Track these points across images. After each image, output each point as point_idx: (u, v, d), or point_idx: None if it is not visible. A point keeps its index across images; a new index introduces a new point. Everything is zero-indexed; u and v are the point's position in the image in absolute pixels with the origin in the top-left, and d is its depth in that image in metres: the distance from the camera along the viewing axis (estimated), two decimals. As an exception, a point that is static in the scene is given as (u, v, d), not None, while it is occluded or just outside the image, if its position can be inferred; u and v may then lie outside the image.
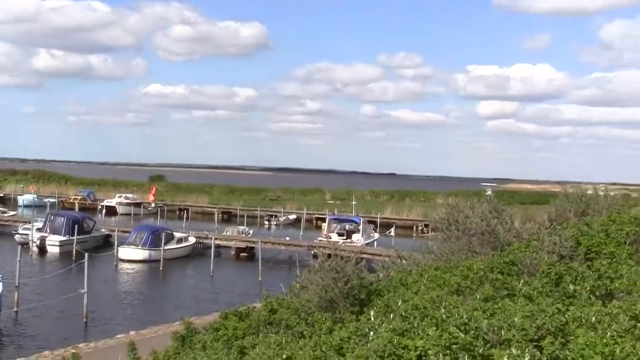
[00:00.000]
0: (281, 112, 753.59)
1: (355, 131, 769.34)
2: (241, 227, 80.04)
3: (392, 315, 10.97)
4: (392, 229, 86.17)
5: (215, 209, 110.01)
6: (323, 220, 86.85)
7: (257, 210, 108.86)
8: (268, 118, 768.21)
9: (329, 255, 18.38)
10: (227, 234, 74.05)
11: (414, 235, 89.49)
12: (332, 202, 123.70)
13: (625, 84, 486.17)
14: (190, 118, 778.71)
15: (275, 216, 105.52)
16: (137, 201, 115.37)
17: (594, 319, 8.80)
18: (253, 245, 67.61)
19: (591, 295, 11.21)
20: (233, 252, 69.07)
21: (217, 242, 66.70)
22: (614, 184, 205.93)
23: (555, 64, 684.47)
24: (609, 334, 8.17)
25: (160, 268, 59.17)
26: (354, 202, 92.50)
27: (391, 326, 9.18)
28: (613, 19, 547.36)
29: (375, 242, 72.58)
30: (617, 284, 11.90)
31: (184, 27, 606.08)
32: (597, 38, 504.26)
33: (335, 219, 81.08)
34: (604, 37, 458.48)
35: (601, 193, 32.62)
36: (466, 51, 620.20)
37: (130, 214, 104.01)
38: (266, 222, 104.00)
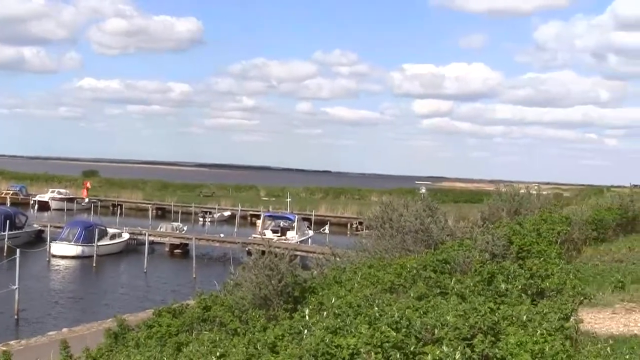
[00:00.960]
0: (217, 108, 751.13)
1: (291, 128, 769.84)
2: (175, 224, 79.72)
3: (325, 313, 11.00)
4: (327, 226, 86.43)
5: (149, 205, 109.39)
6: (258, 217, 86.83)
7: (191, 206, 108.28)
8: (203, 114, 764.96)
9: (263, 252, 18.37)
10: (161, 230, 73.74)
11: (349, 232, 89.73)
12: (266, 199, 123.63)
13: (559, 85, 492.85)
14: (124, 113, 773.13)
15: (210, 212, 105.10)
16: (70, 196, 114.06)
17: (524, 317, 8.91)
18: (187, 242, 67.36)
19: (522, 294, 11.35)
20: (167, 249, 68.77)
21: (151, 238, 66.37)
22: (547, 183, 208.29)
23: (491, 63, 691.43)
24: (539, 332, 8.28)
25: (94, 264, 58.65)
26: (288, 199, 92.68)
27: (324, 324, 9.20)
28: (548, 21, 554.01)
29: (309, 240, 72.72)
30: (547, 283, 12.08)
31: (119, 20, 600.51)
32: (531, 39, 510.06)
33: (269, 216, 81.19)
34: (538, 38, 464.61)
35: (534, 192, 33.03)
36: (402, 49, 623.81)
37: (63, 210, 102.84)
38: (201, 219, 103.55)
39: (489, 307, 8.92)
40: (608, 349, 10.60)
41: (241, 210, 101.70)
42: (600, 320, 13.50)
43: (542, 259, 15.94)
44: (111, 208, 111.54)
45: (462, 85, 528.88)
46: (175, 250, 68.39)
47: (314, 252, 48.21)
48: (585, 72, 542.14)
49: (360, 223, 76.66)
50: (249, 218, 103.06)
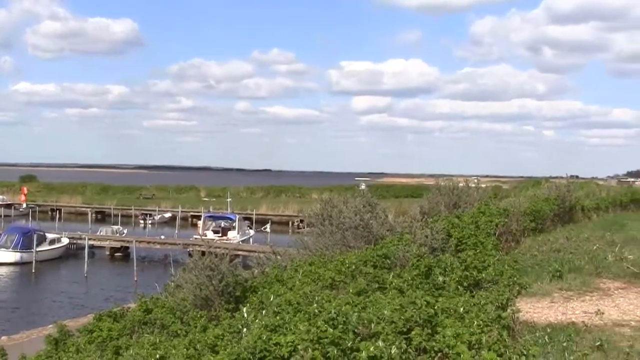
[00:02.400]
0: (155, 109, 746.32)
1: (230, 128, 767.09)
2: (115, 227, 79.17)
3: (264, 312, 11.00)
4: (268, 225, 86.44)
5: (88, 209, 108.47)
6: (198, 218, 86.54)
7: (131, 209, 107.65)
8: (142, 115, 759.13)
9: (203, 253, 18.33)
10: (101, 233, 73.17)
11: (290, 230, 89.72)
12: (207, 199, 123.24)
13: (496, 79, 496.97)
14: (62, 116, 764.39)
15: (150, 215, 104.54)
16: (8, 202, 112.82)
17: (461, 309, 8.98)
18: (128, 245, 66.95)
19: (459, 286, 11.45)
20: (107, 252, 68.31)
21: (91, 242, 65.88)
22: (487, 176, 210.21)
23: (428, 59, 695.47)
24: (475, 323, 8.35)
25: (33, 270, 58.07)
26: (229, 199, 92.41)
27: (263, 322, 9.20)
28: (483, 16, 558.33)
29: (251, 239, 72.63)
30: (484, 275, 12.19)
31: (53, 23, 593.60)
32: (468, 34, 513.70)
33: (210, 216, 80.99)
34: (474, 33, 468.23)
35: (472, 186, 33.29)
36: (339, 47, 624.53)
37: (0, 216, 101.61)
38: (141, 221, 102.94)
39: (425, 300, 8.97)
40: (546, 337, 10.75)
41: (182, 211, 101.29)
42: (539, 310, 13.64)
43: (478, 250, 16.07)
44: (50, 213, 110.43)
45: (400, 81, 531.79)
46: (116, 254, 67.96)
47: (255, 252, 48.10)
48: (521, 65, 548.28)
49: (302, 221, 76.78)
50: (189, 219, 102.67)
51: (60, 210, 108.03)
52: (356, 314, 8.52)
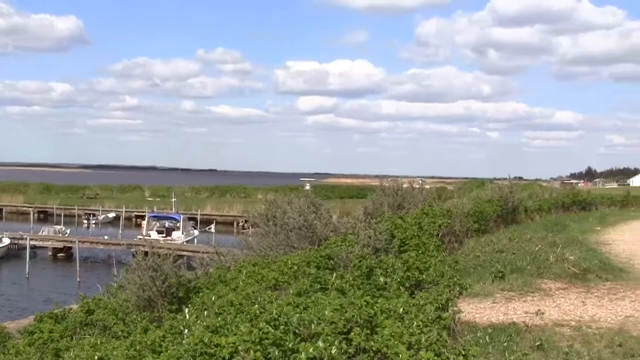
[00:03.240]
0: (99, 108, 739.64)
1: (176, 127, 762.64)
2: (58, 227, 78.28)
3: (206, 313, 10.96)
4: (213, 226, 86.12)
5: (30, 209, 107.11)
6: (143, 217, 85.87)
7: (74, 209, 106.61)
8: (86, 114, 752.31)
9: (146, 254, 18.24)
10: (44, 233, 72.33)
11: (235, 231, 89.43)
12: (151, 199, 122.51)
13: (441, 80, 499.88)
14: (3, 114, 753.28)
15: (94, 215, 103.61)
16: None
17: (401, 309, 9.01)
18: (71, 245, 66.31)
19: (401, 287, 11.49)
20: (50, 253, 67.58)
21: (33, 242, 65.15)
22: (432, 177, 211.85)
23: (374, 60, 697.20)
24: (415, 324, 8.39)
25: (-27, 271, 57.36)
26: (173, 199, 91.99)
27: (205, 323, 9.17)
28: (429, 17, 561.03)
29: (195, 239, 72.32)
30: (424, 276, 12.25)
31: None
32: (414, 35, 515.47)
33: (154, 216, 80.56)
34: (420, 35, 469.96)
35: (417, 186, 33.48)
36: (285, 46, 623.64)
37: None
38: (85, 221, 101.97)
39: (365, 301, 8.99)
40: (487, 337, 10.84)
41: (126, 211, 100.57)
42: (481, 310, 13.75)
43: (420, 251, 16.15)
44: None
45: (346, 81, 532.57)
46: (59, 254, 67.27)
47: (199, 252, 47.91)
48: (466, 67, 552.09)
49: (246, 221, 76.61)
50: (133, 219, 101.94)
51: (1, 210, 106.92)
52: (297, 314, 8.52)
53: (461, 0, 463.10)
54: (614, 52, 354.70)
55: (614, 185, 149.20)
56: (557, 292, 15.77)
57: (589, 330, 11.95)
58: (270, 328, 7.93)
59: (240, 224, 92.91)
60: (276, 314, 8.47)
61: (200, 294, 15.83)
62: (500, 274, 17.01)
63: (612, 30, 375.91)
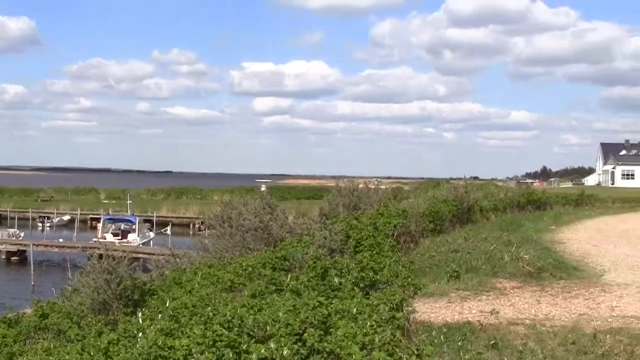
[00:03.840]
0: (54, 110, 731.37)
1: (131, 129, 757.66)
2: (11, 230, 77.45)
3: (160, 315, 10.90)
4: (169, 228, 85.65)
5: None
6: (98, 220, 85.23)
7: (28, 211, 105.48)
8: (40, 116, 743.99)
9: (101, 256, 18.12)
10: (-3, 237, 71.63)
11: (191, 233, 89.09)
12: (107, 201, 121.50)
13: (397, 81, 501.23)
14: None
15: (48, 217, 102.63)
16: None
17: (355, 310, 9.02)
18: (25, 249, 65.64)
19: (355, 287, 11.50)
20: (3, 256, 66.90)
21: (-14, 246, 64.47)
22: (389, 177, 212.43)
23: (330, 61, 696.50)
24: (368, 324, 8.40)
25: None
26: (129, 201, 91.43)
27: (159, 326, 9.12)
28: (384, 18, 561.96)
29: (151, 242, 71.93)
30: (379, 276, 12.27)
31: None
32: (369, 36, 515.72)
33: (110, 219, 79.94)
34: (375, 35, 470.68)
35: (372, 187, 33.56)
36: (241, 47, 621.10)
37: None
38: (39, 224, 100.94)
39: (318, 302, 8.99)
40: (442, 336, 10.89)
41: (81, 214, 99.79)
42: (436, 310, 13.82)
43: (375, 252, 16.17)
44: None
45: (302, 82, 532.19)
46: (12, 258, 66.57)
47: (155, 254, 47.68)
48: (422, 68, 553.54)
49: (202, 223, 76.37)
50: (89, 222, 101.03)
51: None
52: (252, 316, 8.50)
53: (416, 1, 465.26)
54: (568, 53, 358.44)
55: (569, 184, 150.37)
56: (511, 291, 15.87)
57: (543, 329, 12.04)
58: (223, 330, 7.90)
59: (196, 225, 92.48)
60: (230, 316, 8.44)
61: (156, 296, 15.75)
62: (455, 274, 17.09)
63: (565, 31, 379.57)
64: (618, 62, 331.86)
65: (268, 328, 8.12)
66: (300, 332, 8.12)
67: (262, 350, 7.24)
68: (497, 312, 13.30)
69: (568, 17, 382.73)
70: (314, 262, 13.39)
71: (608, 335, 11.23)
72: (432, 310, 13.73)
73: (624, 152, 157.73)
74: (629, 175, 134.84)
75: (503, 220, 34.60)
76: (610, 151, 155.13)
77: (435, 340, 10.61)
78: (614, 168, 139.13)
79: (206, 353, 7.43)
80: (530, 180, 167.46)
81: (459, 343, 10.61)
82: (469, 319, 12.79)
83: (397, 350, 7.80)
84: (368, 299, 10.09)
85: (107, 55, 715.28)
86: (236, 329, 8.09)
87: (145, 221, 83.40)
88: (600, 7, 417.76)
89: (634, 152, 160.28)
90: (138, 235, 71.28)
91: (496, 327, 12.12)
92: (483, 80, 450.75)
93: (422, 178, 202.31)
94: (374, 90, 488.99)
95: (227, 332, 7.84)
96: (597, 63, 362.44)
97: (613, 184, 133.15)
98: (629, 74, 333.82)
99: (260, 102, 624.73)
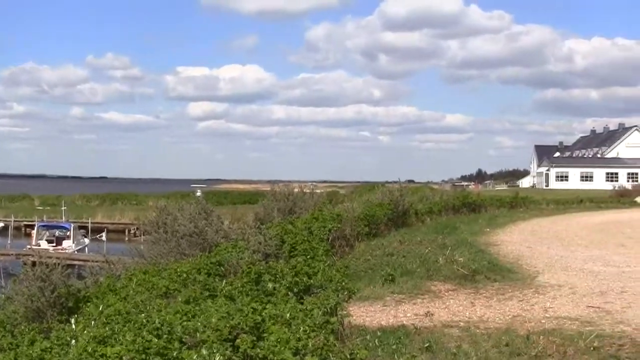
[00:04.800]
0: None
1: (65, 134, 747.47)
2: (-57, 238, 76.35)
3: (93, 323, 10.82)
4: (104, 234, 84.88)
5: None
6: (32, 227, 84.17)
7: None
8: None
9: (34, 264, 17.94)
10: None
11: (127, 239, 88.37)
12: (41, 208, 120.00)
13: (332, 85, 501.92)
14: None
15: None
16: None
17: (288, 315, 9.02)
18: (-43, 257, 64.65)
19: (289, 292, 11.50)
20: None
21: None
22: (325, 181, 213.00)
23: (265, 65, 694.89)
24: (301, 329, 8.40)
25: None
26: (64, 208, 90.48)
27: (92, 334, 9.04)
28: (319, 22, 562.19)
29: (86, 248, 71.25)
30: (313, 280, 12.30)
31: None
32: (304, 40, 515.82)
33: (44, 225, 79.00)
34: (310, 39, 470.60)
35: (307, 191, 33.64)
36: (175, 52, 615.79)
37: None
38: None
39: (252, 307, 8.99)
40: (376, 340, 10.94)
41: (14, 220, 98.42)
42: (371, 313, 13.86)
43: (309, 256, 16.21)
44: None
45: (237, 87, 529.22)
46: (-57, 267, 65.57)
47: (90, 261, 47.18)
48: (357, 71, 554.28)
49: (138, 229, 75.85)
50: (23, 229, 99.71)
51: None
52: (182, 323, 8.47)
53: (350, 4, 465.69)
54: (502, 56, 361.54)
55: (504, 186, 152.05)
56: (446, 294, 16.00)
57: (477, 331, 12.14)
58: (153, 337, 7.87)
59: (132, 231, 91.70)
60: (159, 322, 8.40)
61: (90, 303, 15.61)
62: (390, 277, 17.17)
63: (499, 34, 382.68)
64: (551, 65, 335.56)
65: (199, 334, 8.09)
66: (233, 338, 8.11)
67: (194, 357, 7.21)
68: (432, 315, 13.40)
69: (502, 21, 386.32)
70: (248, 268, 13.38)
71: (541, 337, 11.35)
72: (367, 314, 13.77)
73: (557, 154, 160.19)
74: (563, 177, 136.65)
75: (438, 223, 34.83)
76: (544, 153, 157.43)
77: (370, 344, 10.65)
78: (548, 170, 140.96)
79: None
80: (466, 183, 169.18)
81: (393, 346, 10.66)
82: (404, 322, 12.85)
83: (331, 354, 7.83)
84: (302, 304, 10.11)
85: (40, 60, 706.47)
86: (165, 335, 8.06)
87: (80, 227, 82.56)
88: (534, 10, 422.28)
89: (567, 154, 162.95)
90: (73, 242, 70.54)
91: (430, 330, 12.18)
92: (418, 84, 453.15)
93: (358, 182, 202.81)
94: (309, 94, 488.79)
95: (156, 340, 7.80)
96: (530, 66, 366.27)
97: (547, 186, 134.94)
98: (562, 77, 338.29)
99: (195, 106, 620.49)
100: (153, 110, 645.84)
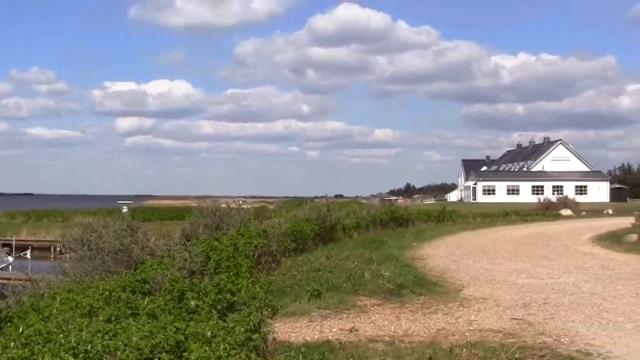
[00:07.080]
0: None
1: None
2: None
3: (13, 344, 10.63)
4: (28, 252, 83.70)
5: None
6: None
7: None
8: None
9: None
10: None
11: (52, 256, 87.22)
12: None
13: (260, 100, 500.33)
14: None
15: None
16: None
17: (209, 333, 8.96)
18: None
19: (212, 310, 11.43)
20: None
21: None
22: (253, 197, 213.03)
23: (192, 80, 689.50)
24: (222, 347, 8.35)
25: None
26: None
27: (10, 355, 8.90)
28: (248, 37, 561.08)
29: (9, 266, 70.19)
30: (236, 298, 12.24)
31: None
32: (232, 55, 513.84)
33: (-35, 244, 77.77)
34: (238, 54, 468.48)
35: (234, 207, 33.57)
36: (103, 67, 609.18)
37: None
38: None
39: (175, 326, 8.93)
40: (300, 356, 10.92)
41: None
42: (297, 329, 13.84)
43: (232, 273, 16.15)
44: None
45: (165, 102, 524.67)
46: None
47: (13, 279, 46.50)
48: (285, 87, 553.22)
49: (63, 246, 74.90)
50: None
51: None
52: (103, 342, 8.37)
53: (279, 20, 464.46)
54: (430, 71, 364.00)
55: (432, 200, 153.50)
56: (372, 309, 16.04)
57: (402, 345, 12.20)
58: (70, 357, 7.76)
59: (58, 249, 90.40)
60: (75, 342, 8.29)
61: (11, 323, 15.35)
62: (316, 293, 17.18)
63: (427, 49, 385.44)
64: (478, 80, 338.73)
65: (119, 353, 8.00)
66: (153, 357, 8.04)
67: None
68: (357, 330, 13.43)
69: (429, 36, 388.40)
70: (171, 285, 13.28)
71: (464, 349, 11.45)
72: (292, 330, 13.75)
73: (484, 168, 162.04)
74: (489, 191, 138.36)
75: (365, 238, 35.01)
76: (471, 167, 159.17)
77: (294, 360, 10.65)
78: (475, 184, 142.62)
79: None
80: (394, 197, 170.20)
81: (317, 362, 10.67)
82: (329, 337, 12.86)
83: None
84: (225, 321, 10.06)
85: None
86: (82, 355, 7.96)
87: (4, 245, 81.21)
88: (461, 27, 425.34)
89: (494, 168, 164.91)
90: (-5, 261, 69.50)
91: (355, 344, 12.21)
92: (346, 99, 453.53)
93: (287, 197, 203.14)
94: (237, 109, 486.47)
95: (73, 359, 7.70)
96: (458, 81, 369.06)
97: (475, 199, 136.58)
98: (489, 92, 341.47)
99: (123, 122, 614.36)
100: (80, 125, 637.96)
